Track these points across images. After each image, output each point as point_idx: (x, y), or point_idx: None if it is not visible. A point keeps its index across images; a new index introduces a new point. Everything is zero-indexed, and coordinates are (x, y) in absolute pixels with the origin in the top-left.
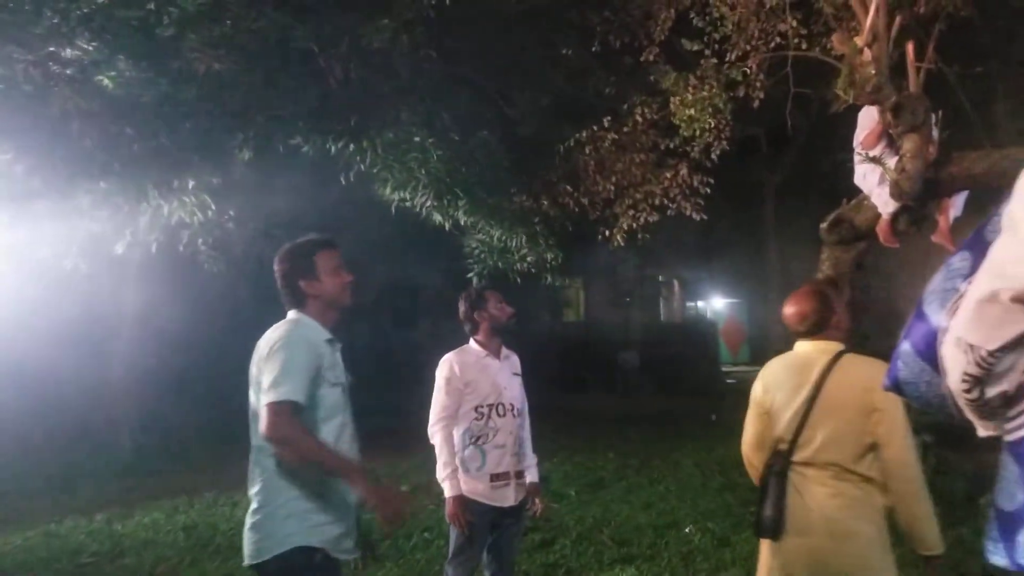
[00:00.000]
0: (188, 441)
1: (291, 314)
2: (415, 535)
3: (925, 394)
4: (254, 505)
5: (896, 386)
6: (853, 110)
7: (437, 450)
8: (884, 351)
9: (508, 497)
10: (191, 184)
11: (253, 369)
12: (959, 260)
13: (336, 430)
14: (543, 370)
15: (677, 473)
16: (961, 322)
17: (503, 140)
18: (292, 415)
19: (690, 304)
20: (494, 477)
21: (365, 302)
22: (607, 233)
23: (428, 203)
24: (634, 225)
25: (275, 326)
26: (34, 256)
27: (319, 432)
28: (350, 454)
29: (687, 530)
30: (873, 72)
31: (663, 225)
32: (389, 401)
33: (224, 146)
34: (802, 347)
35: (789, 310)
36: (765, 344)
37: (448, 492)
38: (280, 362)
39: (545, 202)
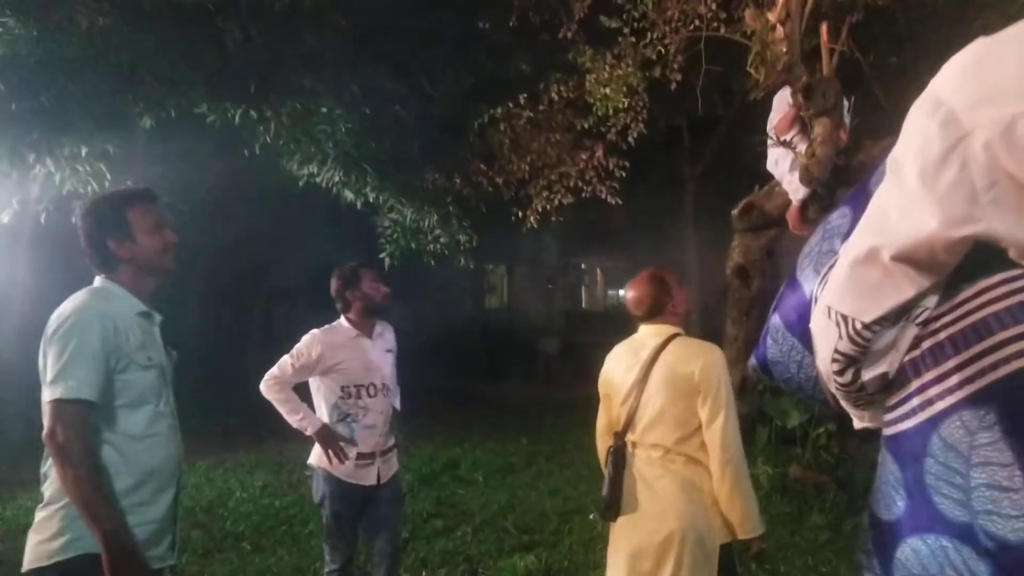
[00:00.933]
0: None
1: (96, 280)
2: (312, 522)
3: (796, 376)
4: (43, 502)
5: (764, 366)
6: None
7: (278, 402)
8: None
9: (371, 476)
10: (84, 151)
11: (41, 349)
12: (838, 217)
13: (147, 420)
14: (463, 357)
15: (587, 459)
16: (832, 289)
17: (416, 116)
18: (79, 420)
19: (611, 292)
20: (359, 456)
21: (282, 286)
22: (521, 214)
23: (336, 179)
24: (548, 207)
25: (72, 296)
26: None
27: (122, 422)
28: (169, 447)
29: (591, 516)
30: (785, 50)
31: (585, 212)
32: (303, 386)
33: (117, 111)
34: (641, 331)
35: (628, 294)
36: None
37: (311, 430)
38: (67, 348)
39: (458, 180)
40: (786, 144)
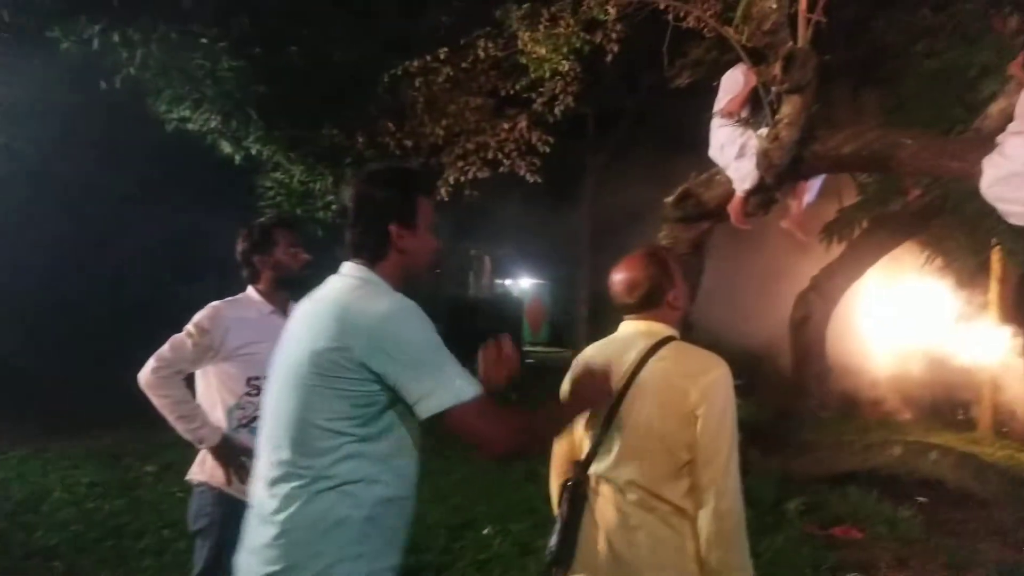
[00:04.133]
0: None
1: (347, 268)
2: (147, 535)
3: None
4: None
5: None
6: (687, 93)
7: (168, 402)
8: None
9: None
10: None
11: (328, 349)
12: None
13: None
14: None
15: (475, 460)
16: None
17: (317, 61)
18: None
19: (499, 281)
20: None
21: (136, 253)
22: None
23: (212, 125)
24: (462, 179)
25: (349, 288)
26: None
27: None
28: None
29: (485, 532)
30: (775, 7)
31: (483, 196)
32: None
33: None
34: (625, 328)
35: (617, 277)
36: (569, 327)
37: (209, 443)
38: (428, 347)
39: (360, 139)
40: (746, 123)
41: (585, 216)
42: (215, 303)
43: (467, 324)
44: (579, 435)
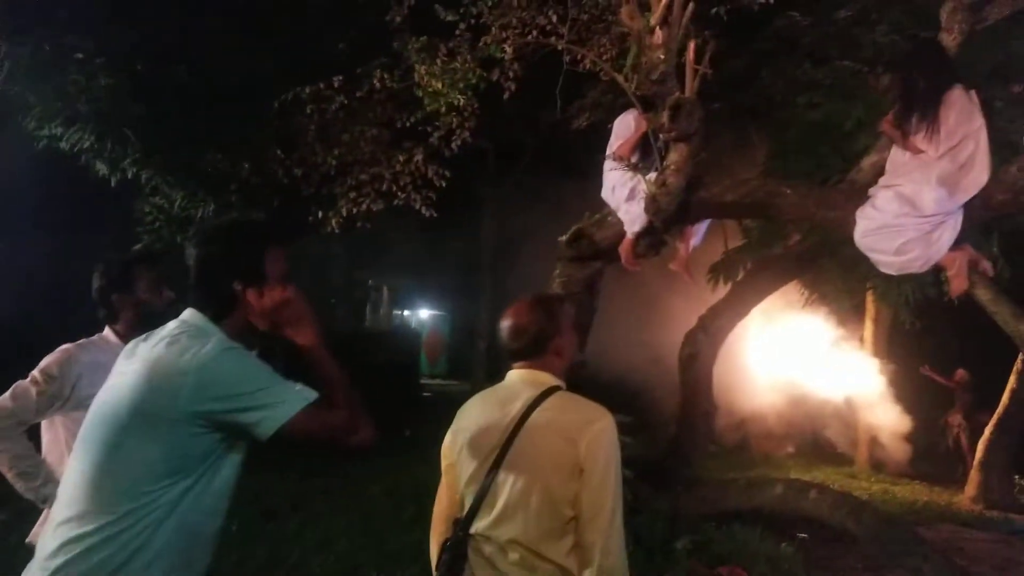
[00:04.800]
0: None
1: (187, 314)
2: None
3: None
4: None
5: None
6: (586, 131)
7: (6, 459)
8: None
9: None
10: None
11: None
12: None
13: None
14: None
15: (363, 501)
16: None
17: (203, 82)
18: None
19: (396, 312)
20: None
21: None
22: (320, 215)
23: (86, 145)
24: (355, 211)
25: (176, 336)
26: None
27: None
28: None
29: None
30: (663, 58)
31: (380, 227)
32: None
33: None
34: (512, 377)
35: (505, 322)
36: (468, 360)
37: (53, 501)
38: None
39: (247, 166)
40: (635, 168)
41: (485, 248)
42: (66, 346)
43: (364, 357)
44: (460, 491)
